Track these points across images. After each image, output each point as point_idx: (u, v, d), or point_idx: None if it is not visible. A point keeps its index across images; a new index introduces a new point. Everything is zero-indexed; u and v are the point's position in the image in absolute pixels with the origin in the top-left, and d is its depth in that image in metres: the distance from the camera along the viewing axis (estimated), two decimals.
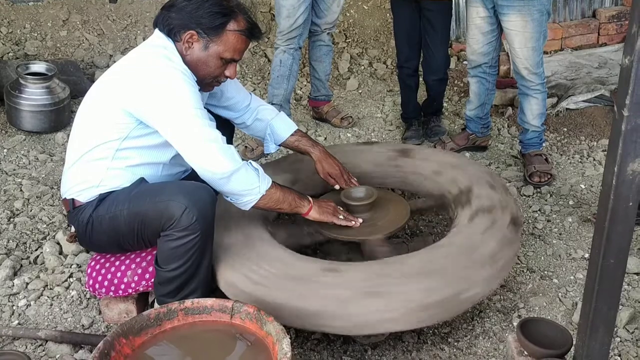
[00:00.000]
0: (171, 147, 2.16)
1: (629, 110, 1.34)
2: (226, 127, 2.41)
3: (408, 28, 3.42)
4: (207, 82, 2.18)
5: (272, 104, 3.37)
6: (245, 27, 2.14)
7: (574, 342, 1.75)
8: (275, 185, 2.14)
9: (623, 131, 1.37)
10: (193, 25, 2.09)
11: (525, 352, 1.82)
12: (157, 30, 2.16)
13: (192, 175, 2.31)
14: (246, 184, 2.07)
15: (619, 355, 2.13)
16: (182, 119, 2.02)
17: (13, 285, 2.44)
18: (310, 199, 2.23)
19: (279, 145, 2.56)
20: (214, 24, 2.10)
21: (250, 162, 2.11)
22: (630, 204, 1.44)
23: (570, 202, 3.03)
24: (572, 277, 2.53)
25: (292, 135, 2.51)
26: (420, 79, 3.68)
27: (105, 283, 2.22)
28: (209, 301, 1.87)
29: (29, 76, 3.51)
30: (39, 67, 3.63)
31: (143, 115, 2.06)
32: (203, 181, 2.13)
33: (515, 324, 2.26)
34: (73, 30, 4.31)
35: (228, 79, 2.23)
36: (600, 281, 1.54)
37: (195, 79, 2.13)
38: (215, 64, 2.14)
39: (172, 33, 2.12)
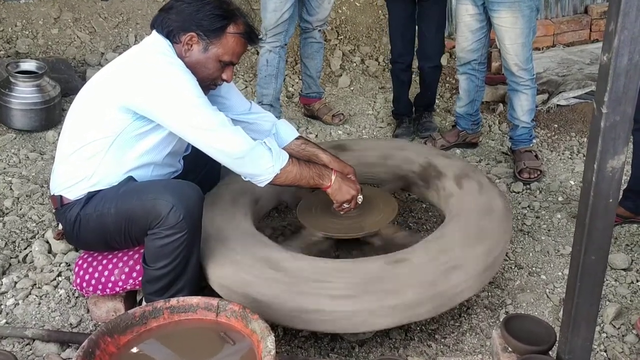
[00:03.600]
0: (163, 148, 2.17)
1: (608, 107, 1.35)
2: None
3: (403, 23, 3.42)
4: (204, 85, 2.16)
5: (262, 104, 3.37)
6: (244, 30, 2.15)
7: (558, 338, 1.75)
8: (293, 163, 2.13)
9: (602, 128, 1.37)
10: (193, 28, 2.09)
11: (510, 349, 1.82)
12: (154, 32, 2.15)
13: (181, 175, 2.32)
14: (260, 164, 2.08)
15: (605, 351, 2.14)
16: (187, 111, 2.02)
17: (1, 284, 2.44)
18: (333, 176, 2.22)
19: None
20: (214, 27, 2.10)
21: (264, 142, 2.11)
22: (610, 200, 1.44)
23: (560, 199, 3.04)
24: (559, 274, 2.54)
25: (295, 139, 2.44)
26: (413, 75, 3.68)
27: (93, 281, 2.22)
28: (195, 299, 1.87)
29: (19, 74, 3.50)
30: (29, 65, 3.62)
31: (146, 110, 2.05)
32: (193, 179, 2.13)
33: None
34: (64, 28, 4.29)
35: (225, 82, 2.22)
36: (581, 277, 1.55)
37: None
38: (214, 66, 2.14)
39: (171, 35, 2.12)
